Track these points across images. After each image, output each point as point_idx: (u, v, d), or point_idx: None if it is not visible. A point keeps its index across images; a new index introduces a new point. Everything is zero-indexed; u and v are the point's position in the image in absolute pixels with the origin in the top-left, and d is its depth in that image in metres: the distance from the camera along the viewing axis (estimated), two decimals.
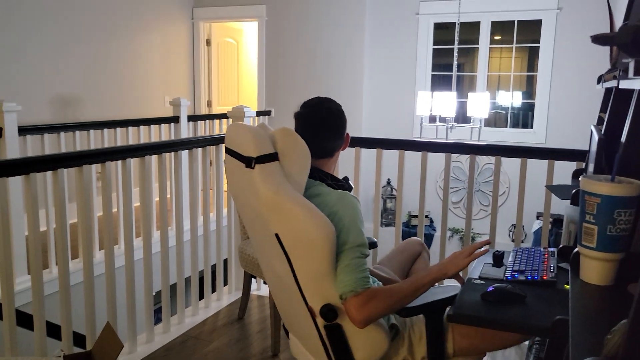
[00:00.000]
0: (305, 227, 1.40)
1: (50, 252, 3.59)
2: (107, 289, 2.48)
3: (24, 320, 2.56)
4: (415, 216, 5.99)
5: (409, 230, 5.77)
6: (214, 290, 3.32)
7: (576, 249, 1.14)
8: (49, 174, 2.87)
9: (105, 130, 4.35)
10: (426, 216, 5.92)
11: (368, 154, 3.31)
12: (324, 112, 1.68)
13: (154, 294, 2.86)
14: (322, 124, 1.66)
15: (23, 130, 3.59)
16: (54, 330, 2.81)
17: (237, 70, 7.21)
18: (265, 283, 3.39)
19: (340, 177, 1.70)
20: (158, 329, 2.85)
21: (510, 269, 1.61)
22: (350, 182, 1.69)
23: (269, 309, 3.04)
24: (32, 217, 2.12)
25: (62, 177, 2.23)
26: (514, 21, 5.72)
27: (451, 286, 1.72)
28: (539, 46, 5.59)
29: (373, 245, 2.17)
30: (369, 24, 6.00)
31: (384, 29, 6.06)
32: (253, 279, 3.21)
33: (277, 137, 1.50)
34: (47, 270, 3.49)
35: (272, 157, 1.46)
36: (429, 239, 5.86)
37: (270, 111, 6.33)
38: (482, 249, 1.55)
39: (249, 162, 1.45)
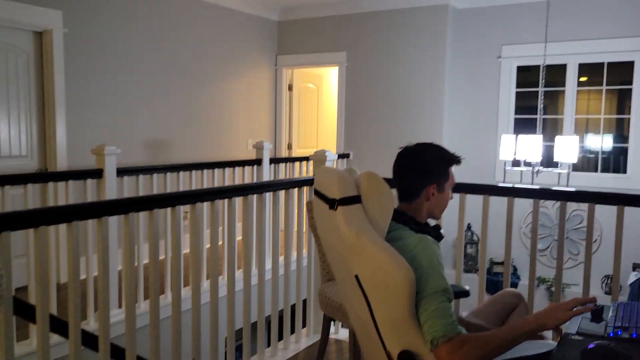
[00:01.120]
0: (386, 271, 1.40)
1: (139, 287, 3.77)
2: (192, 325, 2.54)
3: (116, 353, 2.67)
4: (498, 263, 5.76)
5: (490, 278, 5.55)
6: (292, 331, 3.33)
7: None
8: (143, 213, 3.03)
9: (194, 172, 4.57)
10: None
11: None
12: (410, 155, 1.70)
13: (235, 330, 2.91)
14: (406, 165, 1.69)
15: (120, 172, 3.85)
16: None
17: (317, 114, 7.40)
18: (343, 327, 3.36)
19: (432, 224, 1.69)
20: None
21: (612, 324, 1.51)
22: (441, 230, 1.67)
23: (347, 353, 3.00)
24: (129, 254, 2.24)
25: (157, 216, 2.36)
26: (602, 63, 5.50)
27: (542, 342, 1.63)
28: (631, 88, 5.33)
29: (465, 293, 2.13)
30: (449, 67, 5.99)
31: (465, 72, 6.03)
32: (332, 322, 3.19)
33: (361, 181, 1.54)
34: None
35: (354, 200, 1.49)
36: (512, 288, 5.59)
37: (348, 154, 6.41)
38: (587, 305, 1.46)
39: (332, 203, 1.51)
